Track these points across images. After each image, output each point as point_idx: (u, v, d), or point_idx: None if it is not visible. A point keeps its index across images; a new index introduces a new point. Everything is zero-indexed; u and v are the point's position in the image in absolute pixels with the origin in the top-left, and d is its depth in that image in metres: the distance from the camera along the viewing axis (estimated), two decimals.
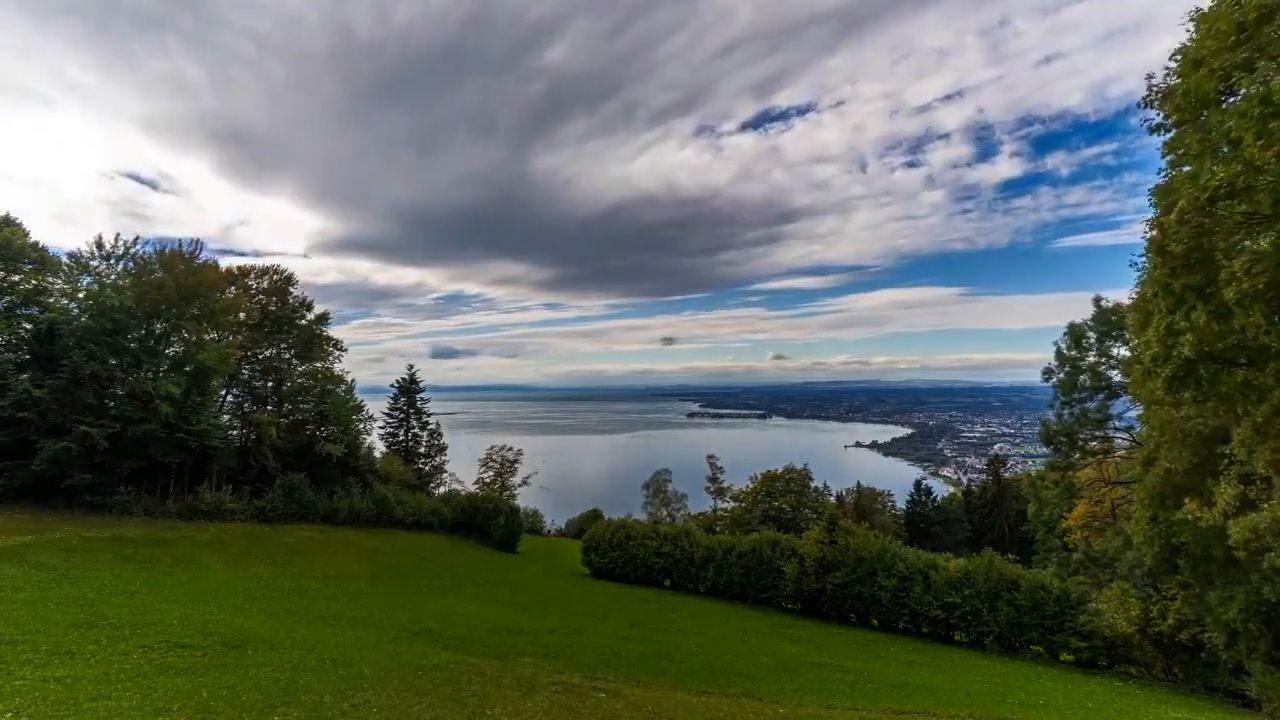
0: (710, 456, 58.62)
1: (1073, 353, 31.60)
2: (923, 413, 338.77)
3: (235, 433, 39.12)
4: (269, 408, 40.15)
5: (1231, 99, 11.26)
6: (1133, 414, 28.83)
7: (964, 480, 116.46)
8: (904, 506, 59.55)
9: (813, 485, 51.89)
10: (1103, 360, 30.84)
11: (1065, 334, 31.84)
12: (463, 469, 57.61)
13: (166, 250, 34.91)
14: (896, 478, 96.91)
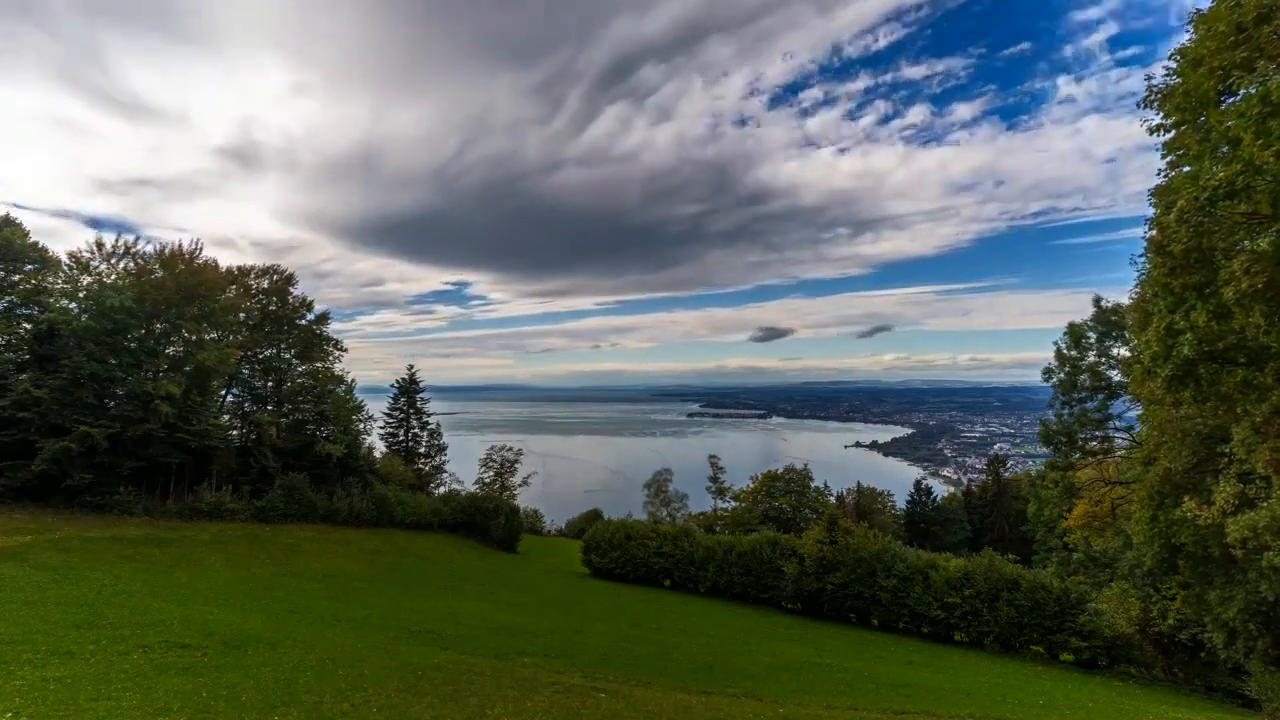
0: (712, 457, 58.59)
1: (1073, 353, 31.64)
2: (923, 413, 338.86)
3: (235, 433, 39.12)
4: (269, 408, 40.14)
5: (1231, 99, 11.28)
6: (1133, 414, 28.87)
7: (964, 480, 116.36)
8: (904, 506, 59.44)
9: (813, 485, 51.88)
10: (1103, 360, 30.88)
11: (1065, 334, 31.88)
12: (463, 469, 57.55)
13: (166, 250, 34.98)
14: (896, 478, 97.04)
